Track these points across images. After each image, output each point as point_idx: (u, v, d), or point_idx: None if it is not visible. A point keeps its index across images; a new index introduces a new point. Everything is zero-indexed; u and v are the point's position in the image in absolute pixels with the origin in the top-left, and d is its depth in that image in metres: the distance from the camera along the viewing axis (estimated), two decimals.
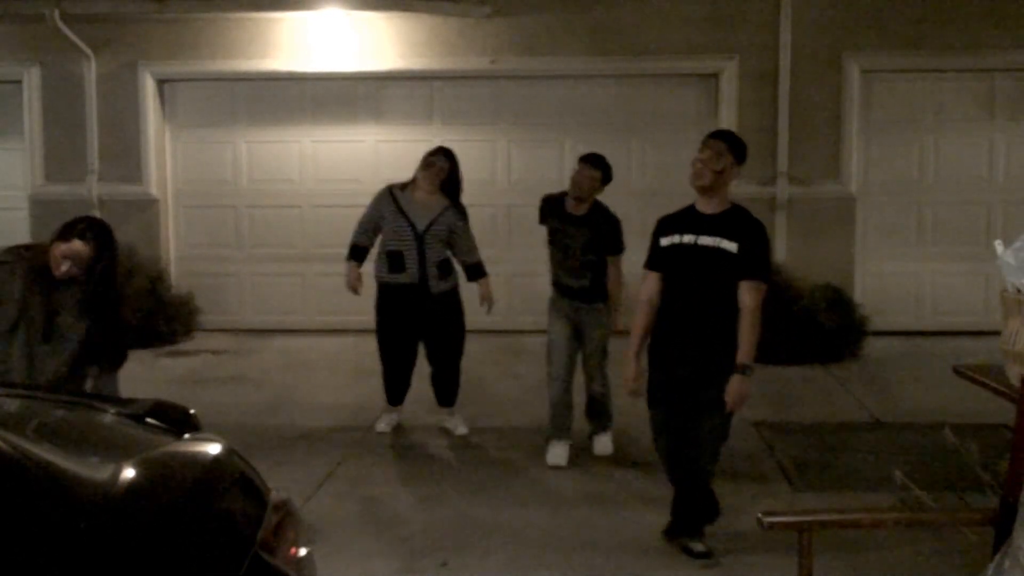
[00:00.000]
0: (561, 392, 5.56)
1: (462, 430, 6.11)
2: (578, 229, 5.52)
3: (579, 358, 5.66)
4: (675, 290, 4.14)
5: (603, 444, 5.68)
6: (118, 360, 4.21)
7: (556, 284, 5.65)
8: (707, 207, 4.11)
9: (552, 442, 5.57)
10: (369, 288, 6.11)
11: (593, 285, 5.55)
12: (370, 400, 6.08)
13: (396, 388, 6.18)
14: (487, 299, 6.08)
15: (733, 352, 3.97)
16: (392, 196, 5.99)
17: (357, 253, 6.11)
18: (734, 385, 3.94)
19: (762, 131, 8.92)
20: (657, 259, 4.22)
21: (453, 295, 6.02)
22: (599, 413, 5.71)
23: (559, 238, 5.59)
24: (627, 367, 4.24)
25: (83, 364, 4.11)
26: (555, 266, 5.64)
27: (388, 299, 5.99)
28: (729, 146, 4.08)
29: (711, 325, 4.04)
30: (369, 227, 6.06)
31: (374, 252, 6.09)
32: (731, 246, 3.98)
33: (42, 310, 4.00)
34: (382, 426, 6.16)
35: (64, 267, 3.97)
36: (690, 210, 4.17)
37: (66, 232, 4.01)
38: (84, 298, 4.06)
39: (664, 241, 4.18)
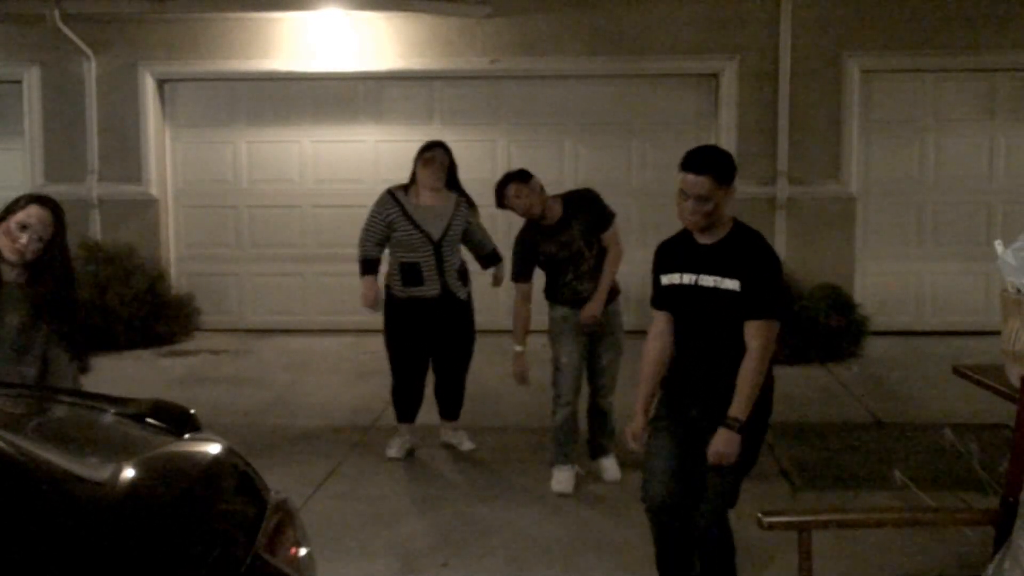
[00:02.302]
0: (569, 416, 5.27)
1: (467, 445, 5.89)
2: (567, 230, 5.18)
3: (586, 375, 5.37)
4: (684, 330, 3.78)
5: (611, 469, 5.34)
6: (83, 349, 3.61)
7: (568, 300, 5.22)
8: (706, 236, 3.63)
9: (557, 467, 5.28)
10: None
11: None
12: (370, 400, 6.07)
13: (408, 402, 5.78)
14: (498, 278, 5.91)
15: None
16: (396, 201, 5.54)
17: (370, 267, 5.60)
18: (718, 440, 3.44)
19: (762, 131, 8.93)
20: (661, 298, 3.80)
21: (470, 303, 5.77)
22: (605, 429, 5.37)
23: (561, 255, 5.20)
24: (634, 421, 3.80)
25: (61, 363, 3.63)
26: (566, 282, 5.23)
27: (404, 312, 5.62)
28: (716, 178, 3.48)
29: (724, 366, 3.58)
30: (379, 237, 5.57)
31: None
32: (733, 284, 3.51)
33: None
34: (393, 451, 5.74)
35: (23, 239, 3.39)
36: (687, 237, 3.69)
37: (15, 205, 3.46)
38: (38, 285, 3.48)
39: (664, 280, 3.76)
